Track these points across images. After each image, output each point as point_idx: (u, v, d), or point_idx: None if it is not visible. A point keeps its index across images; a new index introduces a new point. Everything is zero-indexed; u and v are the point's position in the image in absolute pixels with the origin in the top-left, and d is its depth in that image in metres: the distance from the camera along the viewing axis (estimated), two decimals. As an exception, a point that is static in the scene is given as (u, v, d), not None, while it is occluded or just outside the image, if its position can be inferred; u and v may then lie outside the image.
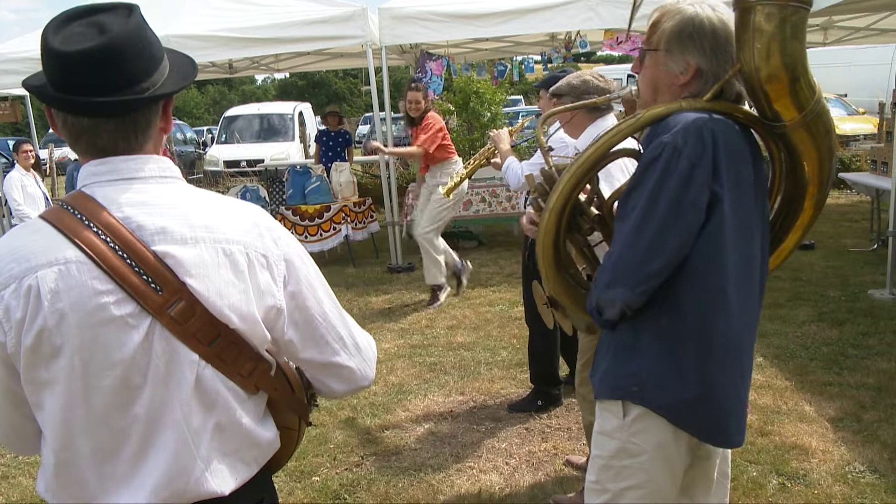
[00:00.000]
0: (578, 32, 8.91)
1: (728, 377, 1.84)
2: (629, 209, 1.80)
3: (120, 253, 1.27)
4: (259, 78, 54.67)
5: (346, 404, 4.61)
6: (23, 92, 10.77)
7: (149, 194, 1.34)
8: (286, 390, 1.53)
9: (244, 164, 16.30)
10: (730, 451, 2.08)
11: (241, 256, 1.35)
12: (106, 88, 1.28)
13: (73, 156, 20.63)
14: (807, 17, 1.72)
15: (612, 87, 3.26)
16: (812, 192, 1.92)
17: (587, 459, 3.49)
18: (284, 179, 8.81)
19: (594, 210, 2.01)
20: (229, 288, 1.33)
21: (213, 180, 15.59)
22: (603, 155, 1.89)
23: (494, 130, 4.50)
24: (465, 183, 6.59)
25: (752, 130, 1.90)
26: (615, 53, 15.71)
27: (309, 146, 17.65)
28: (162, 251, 1.29)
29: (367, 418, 4.47)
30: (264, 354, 1.44)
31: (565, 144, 3.50)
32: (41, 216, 1.34)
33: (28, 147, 7.87)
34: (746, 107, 1.88)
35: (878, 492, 3.36)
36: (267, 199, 8.70)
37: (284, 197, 8.67)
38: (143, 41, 1.33)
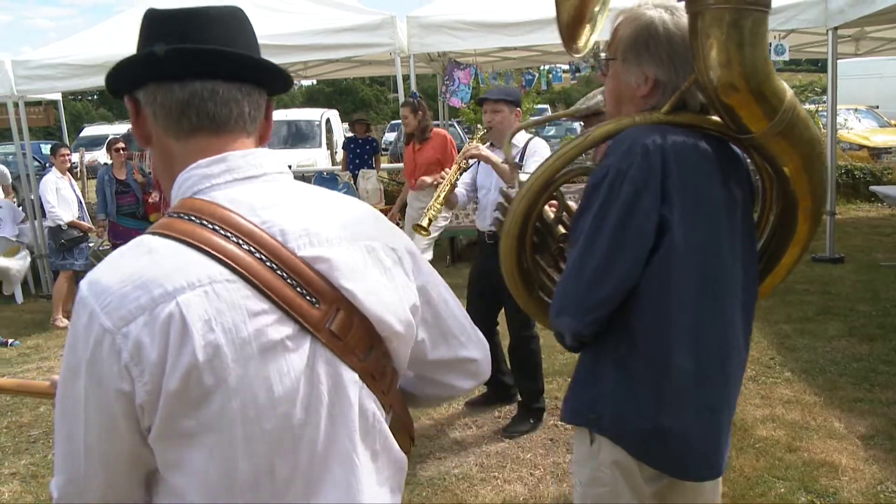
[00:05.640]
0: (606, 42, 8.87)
1: (688, 409, 1.72)
2: (577, 235, 1.71)
3: (269, 264, 1.08)
4: (286, 84, 54.94)
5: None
6: (56, 97, 10.97)
7: (277, 194, 1.16)
8: (404, 407, 1.36)
9: (271, 169, 16.36)
10: (720, 482, 1.94)
11: (382, 252, 1.21)
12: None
13: (102, 160, 20.93)
14: (765, 20, 1.56)
15: None
16: (803, 204, 1.80)
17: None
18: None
19: (561, 229, 1.95)
20: (382, 288, 1.18)
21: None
22: (552, 176, 1.81)
23: (473, 144, 4.24)
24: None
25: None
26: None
27: (336, 153, 17.72)
28: (311, 256, 1.12)
29: (391, 426, 4.46)
30: (401, 366, 1.28)
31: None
32: (151, 232, 1.11)
33: (65, 151, 7.99)
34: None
35: (910, 512, 3.30)
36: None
37: (311, 203, 8.69)
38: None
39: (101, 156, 21.64)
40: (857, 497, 3.44)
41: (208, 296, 1.04)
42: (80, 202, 7.98)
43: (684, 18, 1.65)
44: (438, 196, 4.17)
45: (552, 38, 7.91)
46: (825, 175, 1.82)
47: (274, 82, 1.25)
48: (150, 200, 7.92)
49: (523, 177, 1.92)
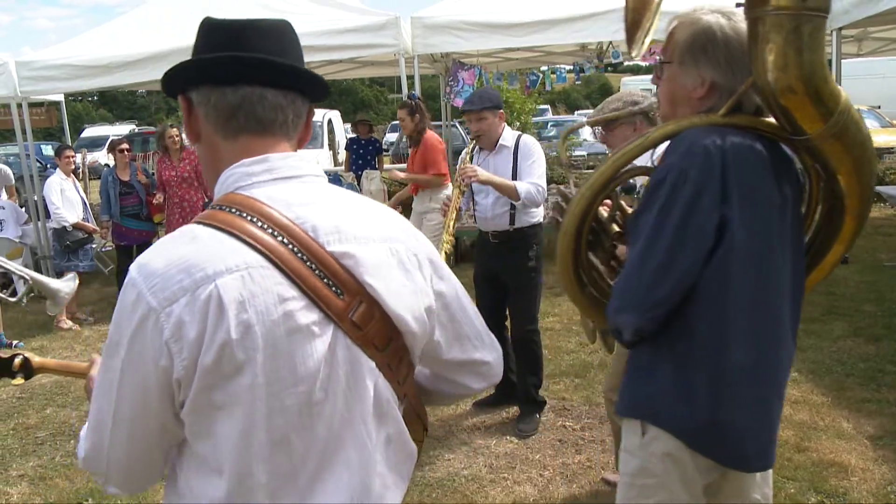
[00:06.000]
0: (611, 43, 8.89)
1: (743, 403, 1.78)
2: (637, 234, 1.77)
3: (300, 256, 1.18)
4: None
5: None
6: (58, 97, 10.95)
7: (312, 193, 1.26)
8: (419, 398, 1.46)
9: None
10: (770, 473, 2.00)
11: (405, 255, 1.30)
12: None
13: (102, 160, 20.87)
14: (823, 25, 1.62)
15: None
16: (851, 204, 1.84)
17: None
18: (315, 187, 8.84)
19: (615, 227, 1.99)
20: (402, 288, 1.27)
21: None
22: (613, 174, 1.87)
23: (469, 166, 4.17)
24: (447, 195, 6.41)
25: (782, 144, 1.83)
26: (643, 63, 15.70)
27: (338, 153, 17.74)
28: (340, 251, 1.21)
29: (399, 427, 4.46)
30: (415, 360, 1.37)
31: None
32: (197, 221, 1.21)
33: (70, 152, 7.98)
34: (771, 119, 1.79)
35: (921, 512, 3.30)
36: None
37: (315, 204, 8.69)
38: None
39: (101, 156, 21.66)
40: (868, 498, 3.44)
41: (244, 280, 1.14)
42: (85, 203, 7.98)
43: (741, 23, 1.71)
44: (448, 227, 4.18)
45: (556, 38, 7.94)
46: (874, 177, 1.86)
47: (315, 91, 1.34)
48: (153, 202, 7.92)
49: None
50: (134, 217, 7.89)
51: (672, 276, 1.71)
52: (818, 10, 1.58)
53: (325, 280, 1.19)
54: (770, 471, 1.99)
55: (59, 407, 5.29)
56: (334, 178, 8.79)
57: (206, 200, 8.09)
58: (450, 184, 6.48)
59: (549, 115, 25.95)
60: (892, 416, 4.25)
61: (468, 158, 4.27)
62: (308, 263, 1.18)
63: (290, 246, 1.18)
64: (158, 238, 8.63)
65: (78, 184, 8.12)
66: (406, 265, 1.30)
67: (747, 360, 1.76)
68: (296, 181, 1.26)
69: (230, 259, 1.14)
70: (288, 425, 1.18)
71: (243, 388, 1.14)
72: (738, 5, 1.68)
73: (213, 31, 1.28)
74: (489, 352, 1.50)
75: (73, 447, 4.57)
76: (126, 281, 1.17)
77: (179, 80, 1.29)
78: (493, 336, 1.53)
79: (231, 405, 1.15)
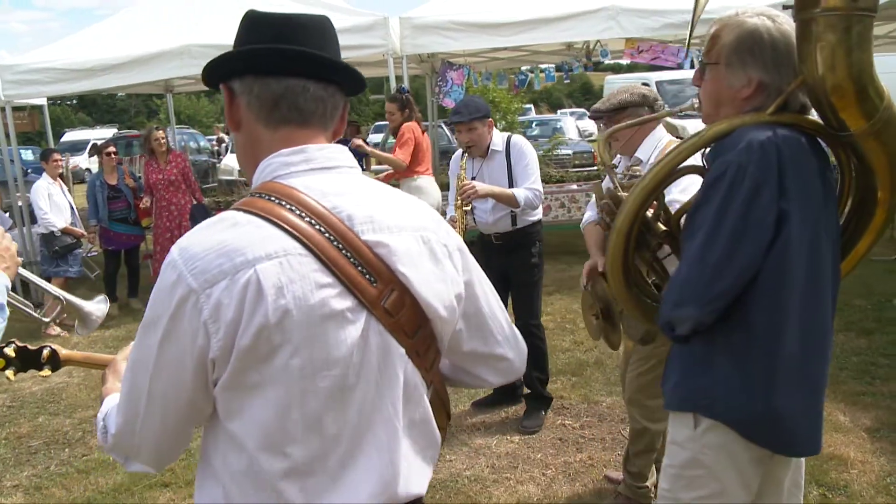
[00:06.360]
0: (598, 41, 8.92)
1: (795, 391, 1.83)
2: (695, 229, 1.81)
3: (336, 244, 1.22)
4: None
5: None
6: (40, 101, 10.85)
7: (346, 184, 1.30)
8: (444, 385, 1.50)
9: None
10: (803, 461, 2.08)
11: (435, 244, 1.34)
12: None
13: (83, 164, 20.58)
14: (871, 25, 1.68)
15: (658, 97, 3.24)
16: (883, 197, 1.90)
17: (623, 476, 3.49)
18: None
19: (661, 226, 2.04)
20: (432, 276, 1.31)
21: (227, 190, 15.60)
22: (668, 174, 1.92)
23: (468, 183, 4.10)
24: (439, 193, 6.37)
25: (819, 139, 1.89)
26: (623, 62, 15.75)
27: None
28: (373, 240, 1.25)
29: (398, 428, 4.44)
30: (443, 348, 1.40)
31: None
32: (237, 208, 1.25)
33: (57, 156, 7.89)
34: (812, 116, 1.86)
35: (922, 504, 3.33)
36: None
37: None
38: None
39: (82, 161, 21.42)
40: (868, 490, 3.47)
41: (282, 266, 1.17)
42: (72, 207, 7.88)
43: (785, 25, 1.80)
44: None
45: (543, 37, 7.95)
46: None
47: (353, 85, 1.38)
48: (141, 206, 7.85)
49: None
50: (122, 221, 7.83)
51: (733, 270, 1.75)
52: (868, 10, 1.64)
53: (360, 268, 1.23)
54: (803, 458, 2.05)
55: (52, 415, 5.23)
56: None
57: (195, 203, 8.04)
58: (415, 177, 6.48)
59: (533, 115, 26.01)
60: (887, 409, 4.30)
61: (462, 173, 4.24)
62: (343, 251, 1.22)
63: (327, 234, 1.21)
64: (146, 242, 8.58)
65: (65, 188, 8.03)
66: (437, 254, 1.33)
67: (800, 349, 1.82)
68: (332, 172, 1.31)
69: (269, 245, 1.18)
70: (321, 407, 1.22)
71: (278, 370, 1.18)
72: (785, 7, 1.76)
73: (257, 24, 1.32)
74: (511, 349, 1.53)
75: (68, 455, 4.52)
76: (166, 262, 1.21)
77: (223, 69, 1.32)
78: (518, 335, 1.56)
79: (266, 385, 1.19)
